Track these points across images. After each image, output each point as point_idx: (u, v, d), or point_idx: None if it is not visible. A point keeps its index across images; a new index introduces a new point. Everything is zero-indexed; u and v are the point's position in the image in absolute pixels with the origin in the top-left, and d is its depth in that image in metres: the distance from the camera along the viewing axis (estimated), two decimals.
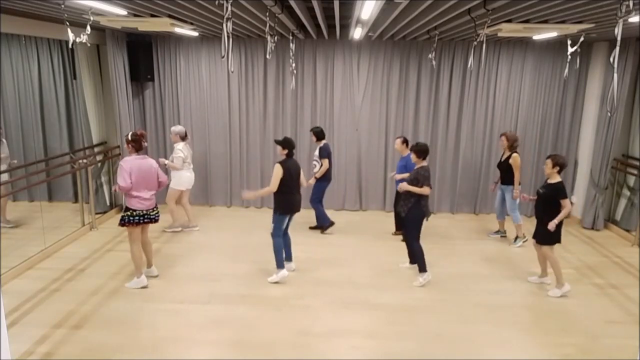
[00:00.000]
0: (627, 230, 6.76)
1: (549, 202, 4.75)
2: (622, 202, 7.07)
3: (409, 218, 5.08)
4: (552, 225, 4.69)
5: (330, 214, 7.50)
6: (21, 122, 7.26)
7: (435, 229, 6.87)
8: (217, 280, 5.08)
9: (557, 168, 4.74)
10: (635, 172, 6.72)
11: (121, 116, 6.89)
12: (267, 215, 7.36)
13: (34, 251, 5.49)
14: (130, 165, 4.61)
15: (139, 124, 7.53)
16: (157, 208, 4.91)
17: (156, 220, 4.90)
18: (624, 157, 7.05)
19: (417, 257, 5.13)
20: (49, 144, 7.43)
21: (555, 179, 4.77)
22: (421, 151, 5.07)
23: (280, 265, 5.10)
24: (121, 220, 4.75)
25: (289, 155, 5.03)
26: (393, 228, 6.71)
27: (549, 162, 4.79)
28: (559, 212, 4.67)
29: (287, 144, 5.03)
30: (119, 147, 7.10)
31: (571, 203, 7.62)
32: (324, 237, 6.51)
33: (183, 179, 6.38)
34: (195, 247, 6.05)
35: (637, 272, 5.56)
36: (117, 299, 4.63)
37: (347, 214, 7.66)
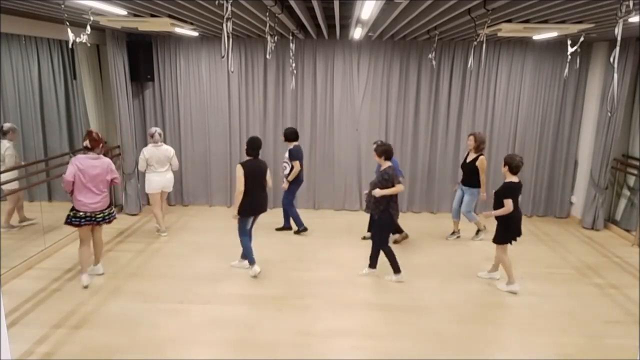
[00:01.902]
0: (627, 230, 6.75)
1: (499, 201, 4.80)
2: (622, 202, 7.07)
3: (382, 222, 5.05)
4: (485, 211, 4.86)
5: (330, 213, 7.52)
6: (21, 122, 7.25)
7: (435, 229, 6.86)
8: (217, 280, 5.09)
9: (507, 167, 4.77)
10: (635, 172, 6.72)
11: (121, 116, 6.89)
12: (266, 215, 7.36)
13: (34, 251, 5.49)
14: (77, 162, 4.64)
15: (139, 124, 7.53)
16: (107, 210, 4.85)
17: (106, 222, 4.87)
18: (624, 157, 7.05)
19: (390, 259, 5.14)
20: (49, 144, 7.42)
21: (509, 178, 4.81)
22: (384, 151, 5.01)
23: (251, 261, 5.23)
24: (66, 218, 4.74)
25: (251, 155, 5.06)
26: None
27: (504, 161, 4.86)
28: (509, 210, 4.71)
29: (248, 143, 5.07)
30: (119, 147, 7.10)
31: (570, 203, 7.66)
32: (324, 238, 6.50)
33: (151, 183, 6.25)
34: (195, 247, 6.05)
35: (637, 272, 5.56)
36: (117, 299, 4.63)
37: (347, 214, 7.65)
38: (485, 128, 7.42)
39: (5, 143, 6.02)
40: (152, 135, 6.19)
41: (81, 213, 4.68)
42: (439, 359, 3.81)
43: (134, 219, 7.14)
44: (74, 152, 7.12)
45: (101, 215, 4.80)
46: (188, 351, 3.83)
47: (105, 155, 6.90)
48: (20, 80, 7.16)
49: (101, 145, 4.82)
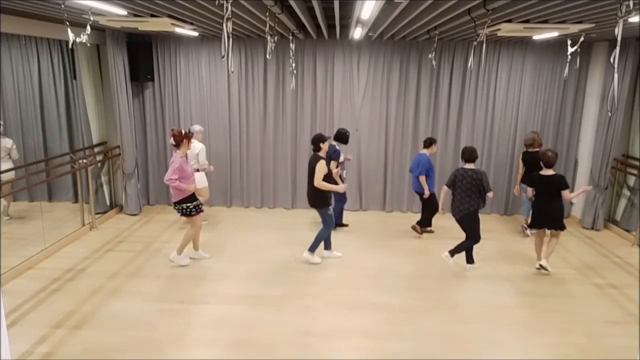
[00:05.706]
0: (627, 230, 6.75)
1: None
2: (622, 202, 7.07)
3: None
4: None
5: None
6: (21, 122, 7.26)
7: (436, 229, 6.86)
8: (217, 280, 5.09)
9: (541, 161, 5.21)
10: (635, 172, 6.72)
11: (121, 116, 6.89)
12: (266, 215, 7.39)
13: (34, 251, 5.49)
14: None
15: (139, 124, 7.52)
16: (176, 205, 5.26)
17: (180, 214, 5.33)
18: (624, 157, 7.05)
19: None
20: (49, 144, 7.43)
21: (542, 171, 5.20)
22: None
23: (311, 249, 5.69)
24: None
25: (313, 149, 5.41)
26: (394, 228, 6.73)
27: None
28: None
29: (312, 139, 5.46)
30: (119, 147, 7.10)
31: (571, 203, 7.66)
32: None
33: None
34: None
35: (637, 272, 5.56)
36: (117, 299, 4.63)
37: (347, 214, 7.62)
38: (485, 128, 7.42)
39: (8, 139, 6.17)
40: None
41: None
42: (440, 359, 3.81)
43: (134, 219, 7.14)
44: (74, 152, 7.15)
45: (176, 206, 5.27)
46: (188, 351, 3.83)
47: (105, 155, 7.05)
48: (20, 80, 7.17)
49: (184, 141, 5.14)
